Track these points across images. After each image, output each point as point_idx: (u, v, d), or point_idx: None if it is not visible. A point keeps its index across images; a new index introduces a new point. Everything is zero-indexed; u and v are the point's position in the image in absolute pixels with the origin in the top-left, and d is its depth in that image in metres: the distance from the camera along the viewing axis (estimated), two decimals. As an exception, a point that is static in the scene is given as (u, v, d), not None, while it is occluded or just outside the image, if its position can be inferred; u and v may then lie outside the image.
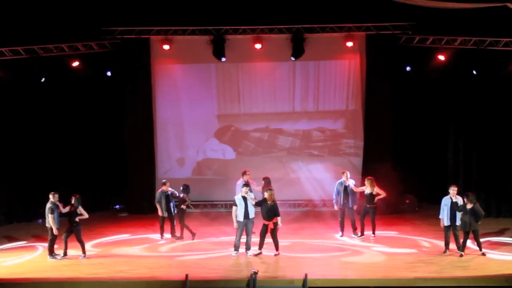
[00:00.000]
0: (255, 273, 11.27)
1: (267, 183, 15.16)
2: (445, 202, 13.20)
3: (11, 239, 15.48)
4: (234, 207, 13.40)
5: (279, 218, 13.28)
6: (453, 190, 13.23)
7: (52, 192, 13.48)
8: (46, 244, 13.70)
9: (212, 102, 19.20)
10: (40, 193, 16.95)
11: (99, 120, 19.04)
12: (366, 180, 15.03)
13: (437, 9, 14.76)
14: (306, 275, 11.29)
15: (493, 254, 13.15)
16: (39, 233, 15.68)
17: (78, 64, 17.75)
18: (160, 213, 15.20)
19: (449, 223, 13.13)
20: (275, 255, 13.25)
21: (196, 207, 18.73)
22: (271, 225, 13.21)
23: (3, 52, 16.80)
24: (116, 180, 19.23)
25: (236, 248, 13.40)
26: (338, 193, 15.08)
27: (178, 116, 19.26)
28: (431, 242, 14.36)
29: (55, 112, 18.15)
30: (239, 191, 14.01)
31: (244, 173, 15.26)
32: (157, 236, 15.42)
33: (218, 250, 13.92)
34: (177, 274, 11.88)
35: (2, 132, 17.31)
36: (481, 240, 13.28)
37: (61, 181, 17.24)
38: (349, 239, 14.86)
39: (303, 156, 19.20)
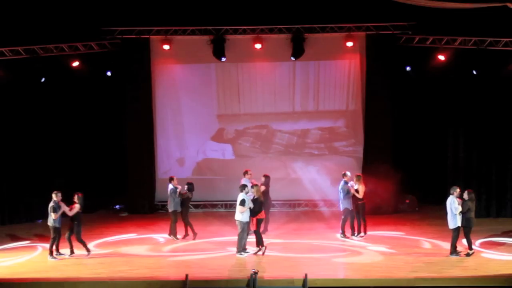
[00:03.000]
0: (255, 273, 11.27)
1: (267, 182, 15.31)
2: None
3: (12, 238, 15.48)
4: (243, 207, 13.32)
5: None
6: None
7: (55, 192, 13.48)
8: (47, 244, 13.70)
9: (212, 102, 19.21)
10: (41, 193, 17.02)
11: (99, 120, 19.04)
12: (356, 176, 15.02)
13: (437, 9, 14.76)
14: (306, 275, 11.30)
15: (493, 254, 13.16)
16: (40, 233, 15.69)
17: (78, 64, 17.76)
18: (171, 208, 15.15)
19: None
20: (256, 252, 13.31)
21: (196, 207, 18.74)
22: (253, 221, 13.33)
23: (3, 52, 16.81)
24: (116, 180, 19.23)
25: (244, 249, 13.45)
26: (348, 193, 15.05)
27: (178, 116, 19.26)
28: (431, 242, 14.37)
29: (55, 112, 18.15)
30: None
31: (245, 173, 15.39)
32: (157, 236, 15.44)
33: (218, 250, 13.93)
34: (177, 274, 11.89)
35: (2, 132, 17.32)
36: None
37: (61, 181, 17.24)
38: (349, 240, 14.85)
39: (303, 156, 19.20)
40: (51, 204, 13.34)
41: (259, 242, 13.43)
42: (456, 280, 11.49)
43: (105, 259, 13.26)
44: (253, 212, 13.38)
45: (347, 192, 14.88)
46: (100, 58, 18.48)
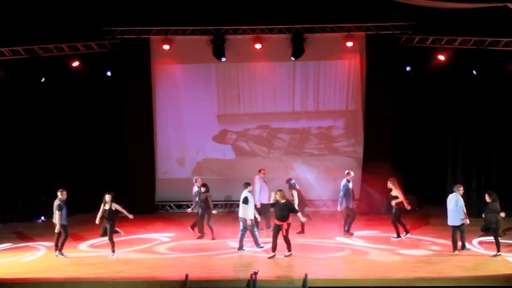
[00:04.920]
0: (255, 273, 11.27)
1: (294, 184, 15.59)
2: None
3: (12, 238, 15.48)
4: (245, 205, 13.31)
5: (299, 215, 13.45)
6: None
7: (60, 190, 13.48)
8: (47, 244, 13.73)
9: (212, 102, 19.21)
10: (41, 192, 17.04)
11: (99, 120, 19.03)
12: (390, 181, 14.89)
13: (437, 9, 14.78)
14: (306, 275, 11.31)
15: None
16: (40, 233, 15.70)
17: (78, 64, 17.76)
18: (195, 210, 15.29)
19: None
20: (286, 256, 13.20)
21: (196, 207, 18.74)
22: (285, 226, 13.15)
23: (3, 52, 16.81)
24: (116, 180, 19.20)
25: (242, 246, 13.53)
26: (350, 192, 15.06)
27: (178, 116, 19.26)
28: (431, 242, 14.37)
29: (55, 112, 18.15)
30: (258, 187, 14.77)
31: (259, 171, 15.76)
32: (156, 236, 15.48)
33: (218, 250, 13.94)
34: (177, 274, 11.89)
35: (2, 132, 17.34)
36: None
37: (61, 180, 17.20)
38: (348, 240, 14.86)
39: (303, 156, 19.20)
40: (56, 202, 13.34)
41: (289, 247, 13.25)
42: (456, 280, 11.50)
43: (105, 259, 13.28)
44: (281, 217, 13.14)
45: (346, 191, 14.91)
46: (100, 58, 18.48)
